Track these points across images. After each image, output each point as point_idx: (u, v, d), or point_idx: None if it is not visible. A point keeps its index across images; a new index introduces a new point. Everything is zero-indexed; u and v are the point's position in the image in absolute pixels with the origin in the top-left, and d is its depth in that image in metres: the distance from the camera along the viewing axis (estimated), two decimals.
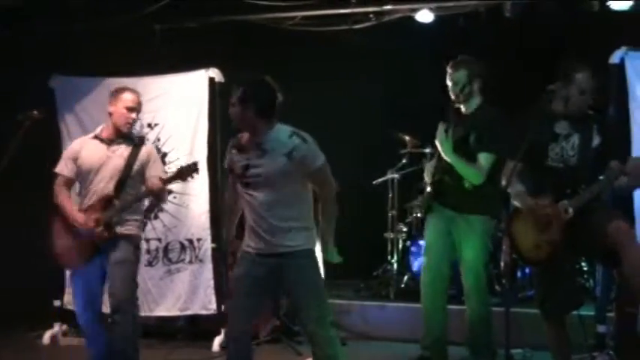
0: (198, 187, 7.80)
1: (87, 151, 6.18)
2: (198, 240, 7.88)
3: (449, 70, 6.42)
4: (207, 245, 7.82)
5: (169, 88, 8.01)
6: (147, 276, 7.92)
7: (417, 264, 8.55)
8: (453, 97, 6.39)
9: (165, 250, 7.96)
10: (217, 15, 8.65)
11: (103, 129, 6.26)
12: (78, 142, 6.34)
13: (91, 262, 6.06)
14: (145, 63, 8.33)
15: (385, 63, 9.16)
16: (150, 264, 7.97)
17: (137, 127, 7.88)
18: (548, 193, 5.35)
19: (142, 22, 8.48)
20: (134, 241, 6.19)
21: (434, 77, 8.39)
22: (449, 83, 6.40)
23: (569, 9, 8.08)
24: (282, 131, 5.27)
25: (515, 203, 5.54)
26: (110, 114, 6.19)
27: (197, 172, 6.06)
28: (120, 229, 6.07)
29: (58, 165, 6.24)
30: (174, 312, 7.94)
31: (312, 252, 5.38)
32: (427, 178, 6.62)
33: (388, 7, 8.44)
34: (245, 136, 5.33)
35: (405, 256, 8.92)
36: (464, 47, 8.74)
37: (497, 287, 8.01)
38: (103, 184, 6.08)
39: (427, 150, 8.73)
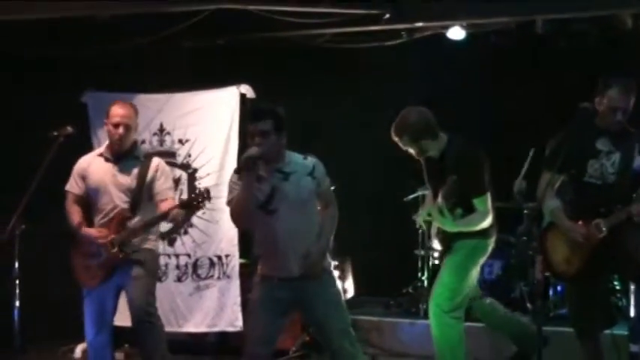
0: None
1: (93, 170, 6.13)
2: (227, 256, 7.85)
3: (395, 138, 6.27)
4: (235, 262, 7.81)
5: (200, 105, 8.01)
6: (176, 292, 7.93)
7: None
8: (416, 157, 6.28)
9: (195, 265, 7.94)
10: (248, 32, 8.66)
11: (107, 146, 6.20)
12: (86, 160, 6.26)
13: (106, 281, 6.03)
14: (175, 80, 8.37)
15: (416, 80, 9.13)
16: (179, 280, 7.97)
17: (168, 142, 7.99)
18: (583, 209, 5.30)
19: (172, 40, 8.51)
20: (150, 255, 6.18)
21: (465, 93, 8.41)
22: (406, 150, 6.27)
23: (602, 26, 8.04)
24: (292, 154, 5.34)
25: (550, 218, 5.50)
26: (107, 131, 6.14)
27: (208, 200, 5.98)
28: (135, 245, 6.06)
29: (68, 183, 6.18)
30: (202, 328, 7.92)
31: (330, 268, 5.47)
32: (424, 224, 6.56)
33: (419, 24, 8.42)
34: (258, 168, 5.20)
35: (435, 274, 8.85)
36: (495, 64, 8.81)
37: (528, 305, 7.95)
38: (113, 204, 6.04)
39: None
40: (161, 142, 8.07)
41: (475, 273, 6.21)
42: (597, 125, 5.44)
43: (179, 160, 7.98)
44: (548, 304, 8.05)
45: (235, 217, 5.29)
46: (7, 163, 8.23)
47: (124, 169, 6.10)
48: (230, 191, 5.29)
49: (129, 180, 6.06)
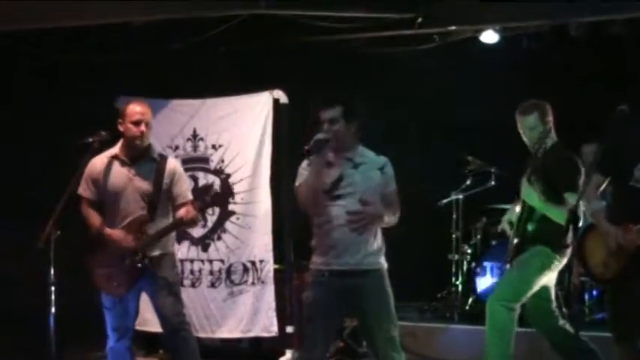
0: (262, 209, 7.80)
1: (109, 175, 6.01)
2: (261, 262, 7.82)
3: (518, 116, 6.26)
4: (270, 267, 7.78)
5: (234, 110, 8.01)
6: (210, 297, 7.94)
7: (482, 286, 8.47)
8: (528, 143, 6.22)
9: (228, 271, 7.93)
10: (282, 37, 8.67)
11: (121, 148, 6.07)
12: (98, 163, 6.07)
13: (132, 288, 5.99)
14: (209, 85, 8.39)
15: (448, 84, 9.10)
16: (212, 285, 7.97)
17: (202, 148, 8.00)
18: (626, 213, 5.24)
19: (206, 45, 8.54)
20: (170, 260, 6.11)
21: (498, 98, 8.36)
22: (521, 130, 6.25)
23: (638, 28, 7.96)
24: (365, 149, 5.46)
25: (591, 219, 5.45)
26: (122, 133, 6.03)
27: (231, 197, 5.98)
28: (154, 250, 5.98)
29: (80, 187, 6.04)
30: (236, 334, 7.90)
31: (386, 272, 5.44)
32: (507, 230, 6.53)
33: (452, 27, 8.39)
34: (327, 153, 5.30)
35: (469, 278, 8.84)
36: (529, 68, 8.75)
37: (564, 310, 7.88)
38: (131, 208, 5.95)
39: (492, 170, 8.67)
40: (195, 148, 8.08)
41: (541, 281, 6.11)
42: None
43: (212, 165, 7.99)
44: (584, 308, 8.00)
45: (303, 201, 5.35)
46: (42, 168, 8.29)
47: (141, 172, 6.01)
48: (299, 176, 5.40)
49: (147, 184, 5.99)
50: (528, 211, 6.16)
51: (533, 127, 6.14)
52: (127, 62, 8.55)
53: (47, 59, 8.38)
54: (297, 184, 5.39)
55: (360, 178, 5.30)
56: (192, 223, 6.07)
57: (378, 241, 5.42)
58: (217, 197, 5.90)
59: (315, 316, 5.33)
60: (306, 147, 5.22)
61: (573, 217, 5.14)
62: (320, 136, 5.23)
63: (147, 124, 5.99)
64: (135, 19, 7.90)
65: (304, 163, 5.37)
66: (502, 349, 6.08)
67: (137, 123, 5.94)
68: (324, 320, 5.31)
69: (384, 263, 5.44)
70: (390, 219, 5.46)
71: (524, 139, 6.20)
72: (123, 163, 6.03)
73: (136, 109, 5.98)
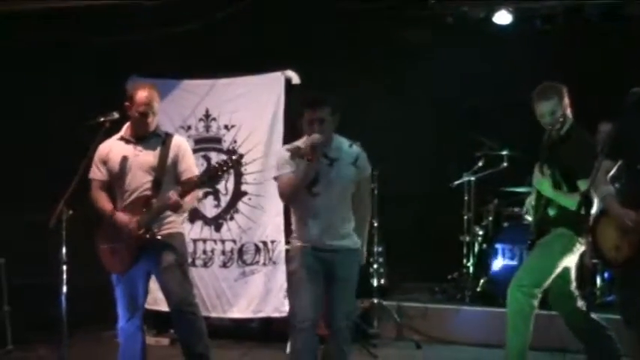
0: (273, 189, 7.77)
1: (114, 153, 6.00)
2: (272, 242, 7.86)
3: (537, 100, 6.13)
4: (281, 247, 7.78)
5: (246, 90, 8.00)
6: (221, 277, 7.97)
7: (493, 268, 8.47)
8: (546, 126, 6.15)
9: (240, 251, 7.96)
10: (298, 17, 8.67)
11: (127, 129, 6.07)
12: (106, 145, 6.07)
13: (135, 266, 5.92)
14: (221, 65, 8.37)
15: (461, 65, 9.06)
16: (224, 265, 8.00)
17: (214, 128, 8.01)
18: (636, 197, 5.22)
19: (217, 25, 8.53)
20: (178, 240, 6.06)
21: (511, 79, 8.33)
22: (538, 113, 6.17)
23: None
24: (340, 140, 5.59)
25: (601, 204, 5.43)
26: (129, 116, 6.02)
27: (231, 169, 5.89)
28: (161, 230, 5.95)
29: (91, 171, 6.03)
30: (247, 314, 7.94)
31: (359, 252, 5.65)
32: (528, 214, 6.50)
33: (465, 8, 8.36)
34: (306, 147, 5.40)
35: (480, 260, 8.83)
36: (541, 49, 8.71)
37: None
38: (136, 184, 5.92)
39: (504, 152, 8.65)
40: (207, 128, 8.09)
41: (563, 264, 6.09)
42: None
43: (225, 146, 7.99)
44: (596, 290, 7.99)
45: (282, 193, 5.58)
46: (54, 149, 8.31)
47: (146, 148, 6.00)
48: (279, 167, 5.54)
49: (151, 158, 5.96)
50: (547, 197, 6.14)
51: (552, 112, 6.06)
52: (139, 42, 8.54)
53: (59, 39, 8.36)
54: (277, 173, 5.56)
55: (335, 177, 5.47)
56: (174, 208, 5.94)
57: (352, 224, 5.63)
58: (215, 171, 5.81)
59: (300, 282, 5.51)
60: (309, 157, 5.32)
61: (586, 200, 5.12)
62: (315, 140, 5.33)
63: (153, 112, 6.00)
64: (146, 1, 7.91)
65: (286, 155, 5.51)
66: (524, 335, 6.07)
67: (144, 114, 5.95)
68: (310, 287, 5.46)
69: (357, 244, 5.64)
70: (369, 214, 5.90)
71: (542, 121, 6.13)
72: (128, 142, 6.03)
73: (143, 96, 5.95)
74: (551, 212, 6.11)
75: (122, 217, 5.89)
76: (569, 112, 6.08)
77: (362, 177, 5.64)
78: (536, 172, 6.11)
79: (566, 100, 6.09)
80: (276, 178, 5.58)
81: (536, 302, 6.02)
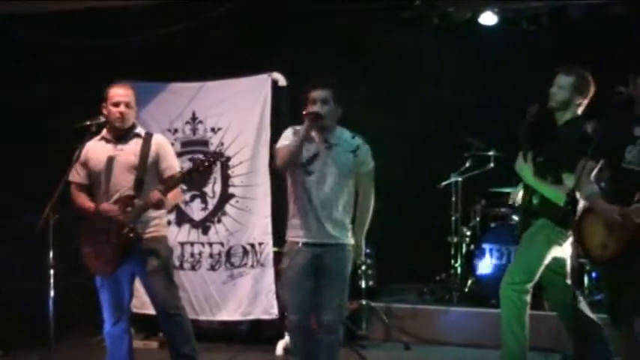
0: (261, 192, 7.80)
1: (94, 154, 5.99)
2: (260, 244, 7.83)
3: (559, 73, 6.16)
4: (269, 249, 7.78)
5: (233, 93, 7.99)
6: (209, 280, 7.96)
7: (481, 268, 8.49)
8: (552, 102, 6.15)
9: (228, 254, 7.95)
10: (280, 20, 8.66)
11: (107, 131, 6.06)
12: (85, 147, 6.03)
13: (120, 268, 5.89)
14: (207, 68, 8.36)
15: (448, 66, 9.08)
16: (212, 268, 7.98)
17: (201, 131, 8.00)
18: (620, 195, 5.24)
19: (203, 28, 8.51)
20: (163, 243, 6.06)
21: (497, 80, 8.35)
22: (554, 87, 6.18)
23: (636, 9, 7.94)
24: (343, 131, 5.67)
25: (587, 203, 5.44)
26: (106, 116, 6.00)
27: (214, 163, 5.91)
28: (146, 232, 5.93)
29: (70, 174, 5.98)
30: (236, 317, 7.91)
31: (351, 247, 5.66)
32: (515, 201, 6.53)
33: (451, 9, 8.38)
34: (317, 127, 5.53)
35: (468, 261, 8.85)
36: (528, 50, 8.73)
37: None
38: (118, 183, 5.91)
39: (491, 153, 8.67)
40: (194, 131, 8.08)
41: (550, 255, 6.08)
42: (636, 112, 5.38)
43: (211, 148, 7.98)
44: (584, 290, 8.01)
45: (280, 163, 5.58)
46: (40, 153, 8.28)
47: (126, 147, 5.99)
48: (282, 139, 5.61)
49: (132, 157, 5.95)
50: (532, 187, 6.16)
51: (562, 87, 6.07)
52: (124, 46, 8.51)
53: (45, 42, 8.33)
54: (278, 145, 5.61)
55: (331, 160, 5.54)
56: (157, 206, 5.92)
57: (348, 219, 5.68)
58: (196, 167, 5.82)
59: (293, 281, 5.57)
60: (305, 112, 5.45)
61: (571, 199, 5.14)
62: (317, 108, 5.46)
63: (127, 105, 5.98)
64: (135, 2, 7.89)
65: (289, 131, 5.60)
66: (519, 333, 6.07)
67: (116, 104, 5.94)
68: (302, 284, 5.53)
69: (350, 239, 5.66)
70: (371, 210, 5.80)
71: (551, 97, 6.12)
72: (108, 141, 6.03)
73: (117, 91, 5.98)
74: (535, 201, 6.14)
75: (107, 205, 5.87)
76: (578, 104, 6.06)
77: (363, 170, 5.66)
78: (520, 158, 6.15)
79: (583, 93, 6.05)
80: (278, 149, 5.61)
81: (528, 297, 6.03)
